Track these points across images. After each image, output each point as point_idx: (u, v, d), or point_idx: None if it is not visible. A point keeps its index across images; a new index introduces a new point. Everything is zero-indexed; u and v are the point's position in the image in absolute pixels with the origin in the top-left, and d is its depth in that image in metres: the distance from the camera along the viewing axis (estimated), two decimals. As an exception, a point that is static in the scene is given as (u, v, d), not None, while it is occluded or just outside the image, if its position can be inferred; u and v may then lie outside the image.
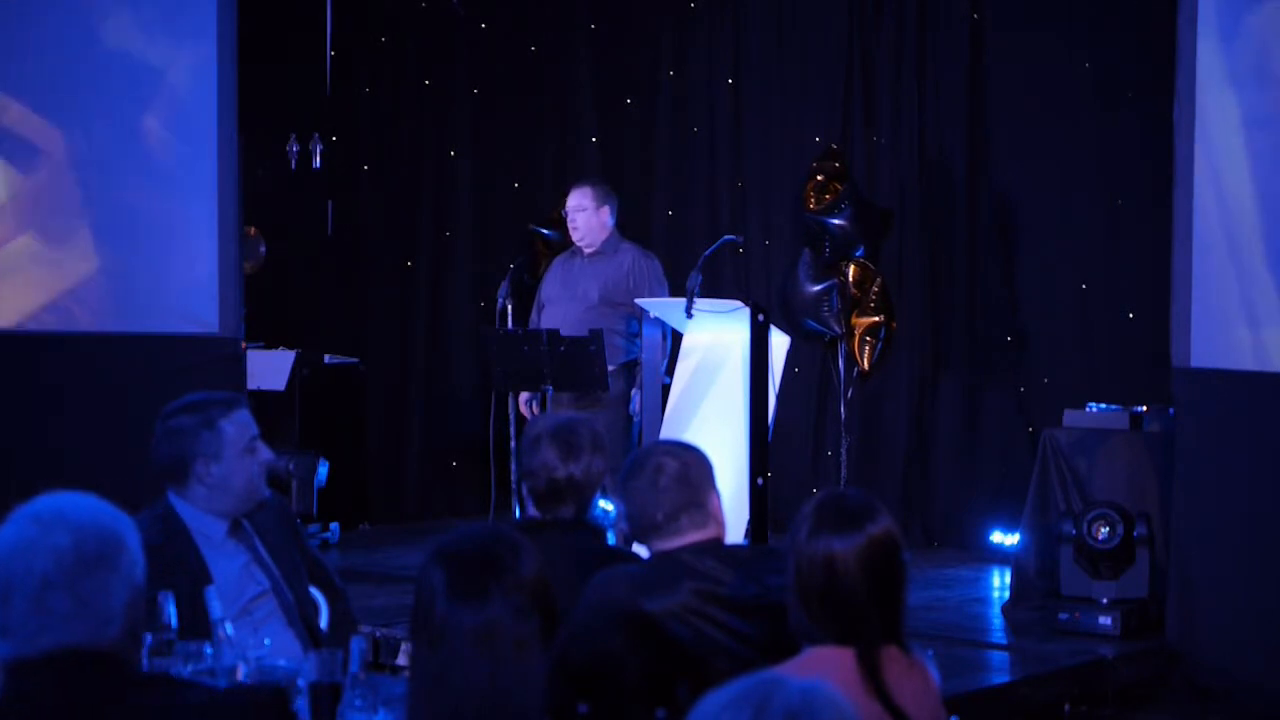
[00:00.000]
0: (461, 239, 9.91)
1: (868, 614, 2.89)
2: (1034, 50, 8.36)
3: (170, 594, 3.26)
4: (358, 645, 3.00)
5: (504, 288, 7.80)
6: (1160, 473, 6.70)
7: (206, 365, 6.98)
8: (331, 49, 9.65)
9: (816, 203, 7.81)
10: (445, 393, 9.85)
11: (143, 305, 7.15)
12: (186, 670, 3.10)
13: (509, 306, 7.76)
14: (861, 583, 2.89)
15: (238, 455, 3.84)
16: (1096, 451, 6.91)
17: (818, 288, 7.67)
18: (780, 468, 7.57)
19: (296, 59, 9.57)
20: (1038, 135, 8.35)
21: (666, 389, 7.05)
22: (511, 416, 7.81)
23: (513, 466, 7.56)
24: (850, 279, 7.71)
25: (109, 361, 7.07)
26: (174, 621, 3.23)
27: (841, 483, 7.74)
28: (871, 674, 2.86)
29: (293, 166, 9.06)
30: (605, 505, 4.03)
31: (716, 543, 3.48)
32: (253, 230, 8.91)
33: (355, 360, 9.30)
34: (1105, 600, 6.56)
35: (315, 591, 4.08)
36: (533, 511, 3.86)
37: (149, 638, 3.12)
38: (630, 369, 7.31)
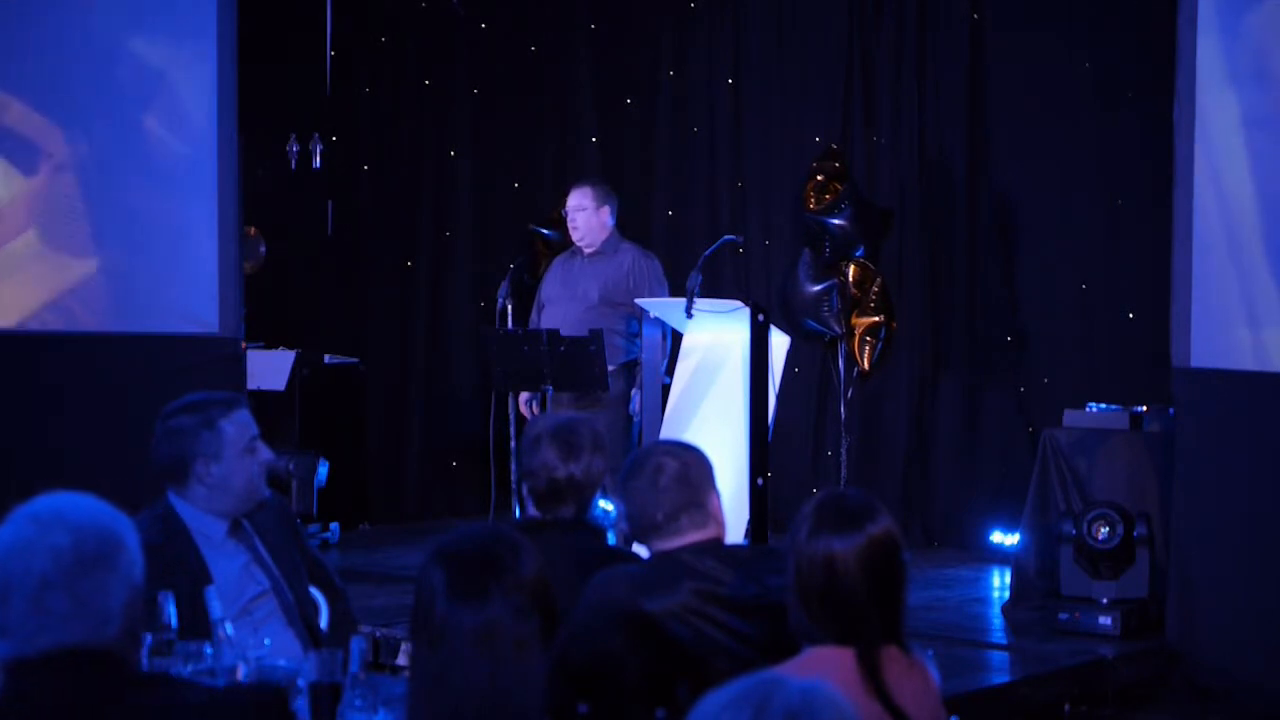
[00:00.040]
0: (461, 239, 9.91)
1: (868, 614, 2.89)
2: (1034, 50, 8.36)
3: (170, 594, 3.26)
4: (358, 645, 3.00)
5: (504, 288, 7.80)
6: (1160, 473, 6.70)
7: (206, 365, 6.98)
8: (331, 49, 9.65)
9: (816, 203, 7.80)
10: (445, 393, 9.85)
11: (143, 305, 7.15)
12: (186, 670, 3.10)
13: (509, 306, 7.76)
14: (861, 583, 2.89)
15: (238, 455, 3.84)
16: (1096, 451, 6.91)
17: (818, 288, 7.67)
18: (780, 468, 7.57)
19: (296, 59, 9.57)
20: (1038, 135, 8.35)
21: (666, 389, 7.05)
22: (511, 416, 7.81)
23: (513, 466, 7.56)
24: (850, 279, 7.71)
25: (109, 361, 7.07)
26: (174, 621, 3.23)
27: (841, 483, 7.74)
28: (871, 674, 2.86)
29: (293, 166, 9.06)
30: (605, 505, 4.03)
31: (716, 543, 3.48)
32: (253, 230, 8.91)
33: (355, 360, 9.30)
34: (1105, 600, 6.56)
35: (315, 591, 4.08)
36: (533, 511, 3.86)
37: (149, 638, 3.12)
38: (630, 369, 7.31)
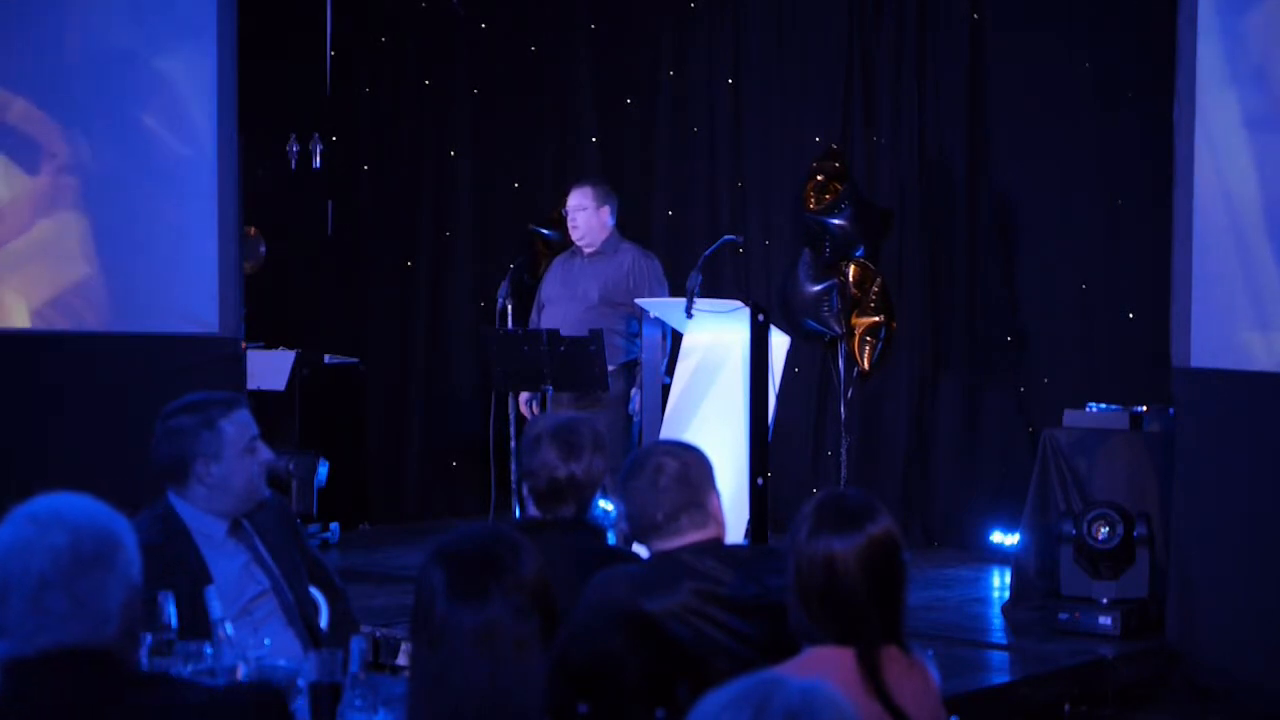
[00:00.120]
0: (461, 239, 9.91)
1: (868, 614, 2.89)
2: (1034, 50, 8.36)
3: (170, 594, 3.26)
4: (358, 645, 3.00)
5: (504, 288, 7.80)
6: (1160, 473, 6.69)
7: (206, 365, 6.99)
8: (331, 49, 9.64)
9: (816, 203, 7.80)
10: (445, 393, 9.85)
11: (143, 305, 7.16)
12: (186, 670, 3.09)
13: (509, 306, 7.76)
14: (861, 583, 2.89)
15: (238, 455, 3.84)
16: (1096, 451, 6.91)
17: (818, 288, 7.67)
18: (780, 468, 7.57)
19: (296, 59, 9.56)
20: (1038, 135, 8.35)
21: (666, 389, 7.04)
22: (511, 416, 7.81)
23: (513, 466, 7.56)
24: (850, 279, 7.71)
25: (109, 361, 7.08)
26: (174, 621, 3.23)
27: (841, 483, 7.73)
28: (871, 674, 2.85)
29: (293, 166, 9.06)
30: (605, 505, 4.03)
31: (716, 543, 3.48)
32: (253, 230, 8.91)
33: (355, 360, 9.30)
34: (1105, 600, 6.56)
35: (315, 591, 4.08)
36: (533, 511, 3.86)
37: (149, 638, 3.12)
38: (630, 369, 7.31)
